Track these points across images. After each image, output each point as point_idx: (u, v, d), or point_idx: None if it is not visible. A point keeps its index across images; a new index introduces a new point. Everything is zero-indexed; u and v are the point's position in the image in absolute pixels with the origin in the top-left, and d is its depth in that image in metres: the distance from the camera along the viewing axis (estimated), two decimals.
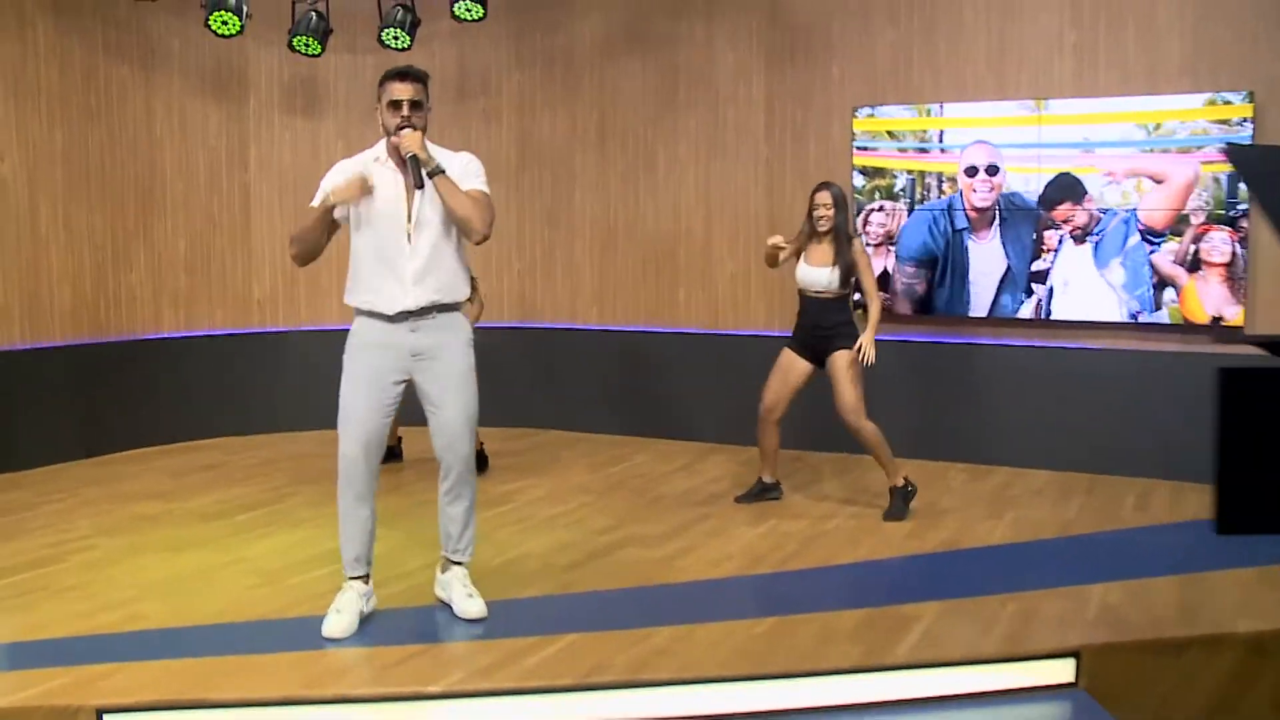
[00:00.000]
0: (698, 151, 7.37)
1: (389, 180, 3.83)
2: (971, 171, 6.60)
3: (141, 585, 4.41)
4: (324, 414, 8.12)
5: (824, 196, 5.52)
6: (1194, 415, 6.12)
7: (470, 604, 4.00)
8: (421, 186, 3.73)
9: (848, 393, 5.47)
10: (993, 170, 6.55)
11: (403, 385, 3.92)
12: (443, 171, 3.77)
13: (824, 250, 5.55)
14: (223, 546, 4.99)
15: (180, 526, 5.35)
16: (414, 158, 3.72)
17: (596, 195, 7.72)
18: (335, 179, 3.83)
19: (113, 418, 7.13)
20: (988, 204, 6.58)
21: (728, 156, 7.31)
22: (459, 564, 4.09)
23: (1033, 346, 6.55)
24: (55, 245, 6.82)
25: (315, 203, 3.85)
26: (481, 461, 6.50)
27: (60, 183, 6.84)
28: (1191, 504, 5.68)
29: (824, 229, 5.51)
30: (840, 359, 5.49)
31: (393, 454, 6.76)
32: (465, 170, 3.88)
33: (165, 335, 7.40)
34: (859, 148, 6.83)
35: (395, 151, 3.82)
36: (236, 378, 7.68)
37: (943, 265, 6.72)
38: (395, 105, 3.78)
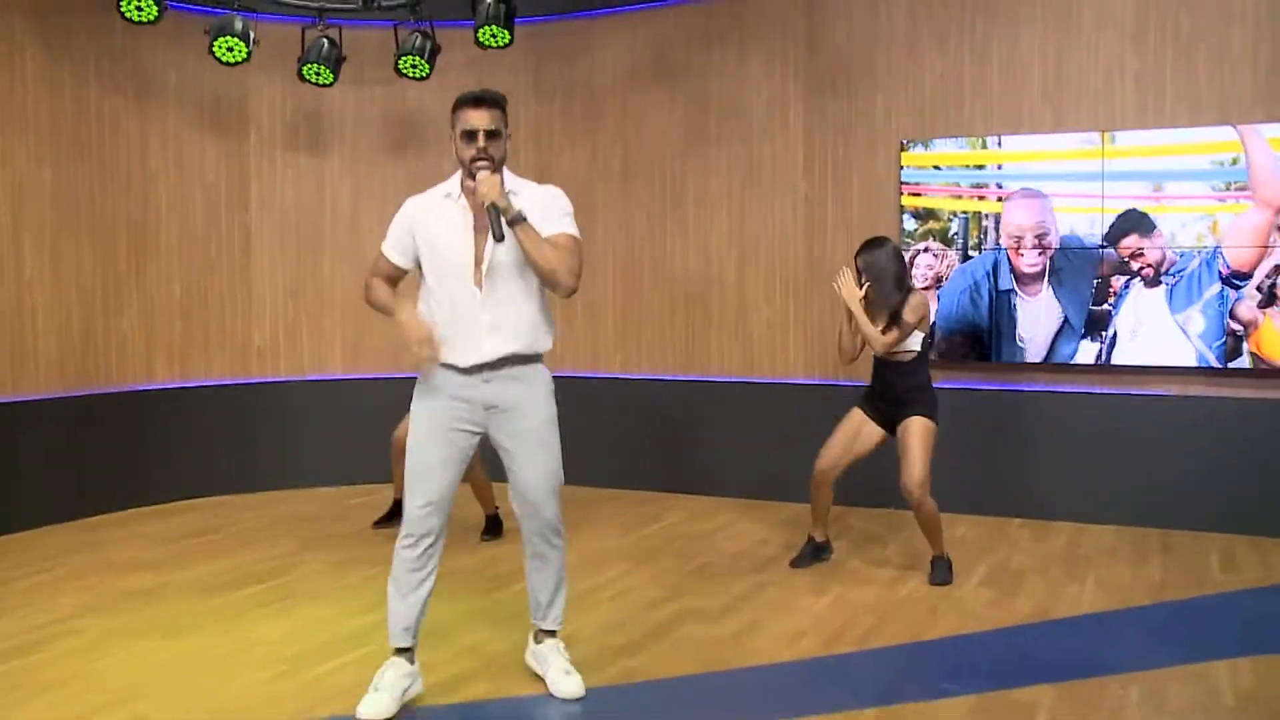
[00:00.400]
0: (730, 187, 6.92)
1: (457, 221, 3.44)
2: (1016, 239, 6.21)
3: (137, 678, 3.83)
4: (330, 470, 7.81)
5: (861, 261, 5.10)
6: (1270, 464, 5.72)
7: (566, 682, 3.60)
8: (501, 239, 3.30)
9: (918, 466, 4.98)
10: (1042, 235, 6.15)
11: (476, 439, 3.54)
12: (524, 219, 3.34)
13: (882, 312, 5.11)
14: (228, 628, 4.41)
15: (178, 603, 4.76)
16: (493, 206, 3.29)
17: (620, 233, 7.26)
18: (401, 235, 3.58)
19: (100, 477, 6.56)
20: (1037, 268, 6.18)
21: (763, 193, 6.87)
22: (552, 633, 3.75)
23: (1092, 393, 6.10)
24: (41, 288, 6.29)
25: (385, 248, 3.62)
26: (495, 526, 5.99)
27: (47, 221, 6.32)
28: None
29: (875, 296, 5.08)
30: (915, 426, 5.03)
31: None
32: (548, 210, 3.45)
33: (158, 386, 6.85)
34: (907, 182, 6.41)
35: (471, 189, 3.44)
36: (235, 432, 7.14)
37: (988, 334, 6.30)
38: (470, 136, 3.37)
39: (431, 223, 3.46)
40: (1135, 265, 5.94)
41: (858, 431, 5.22)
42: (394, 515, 6.18)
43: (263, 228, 7.26)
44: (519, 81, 7.40)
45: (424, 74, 6.64)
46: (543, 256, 3.32)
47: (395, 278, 3.62)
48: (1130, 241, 5.96)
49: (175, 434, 6.89)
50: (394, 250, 3.56)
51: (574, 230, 3.48)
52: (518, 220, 3.31)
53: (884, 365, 5.14)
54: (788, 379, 6.80)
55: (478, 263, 3.38)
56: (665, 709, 3.63)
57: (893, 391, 5.12)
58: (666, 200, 7.16)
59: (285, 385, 7.31)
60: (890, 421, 5.16)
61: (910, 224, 6.40)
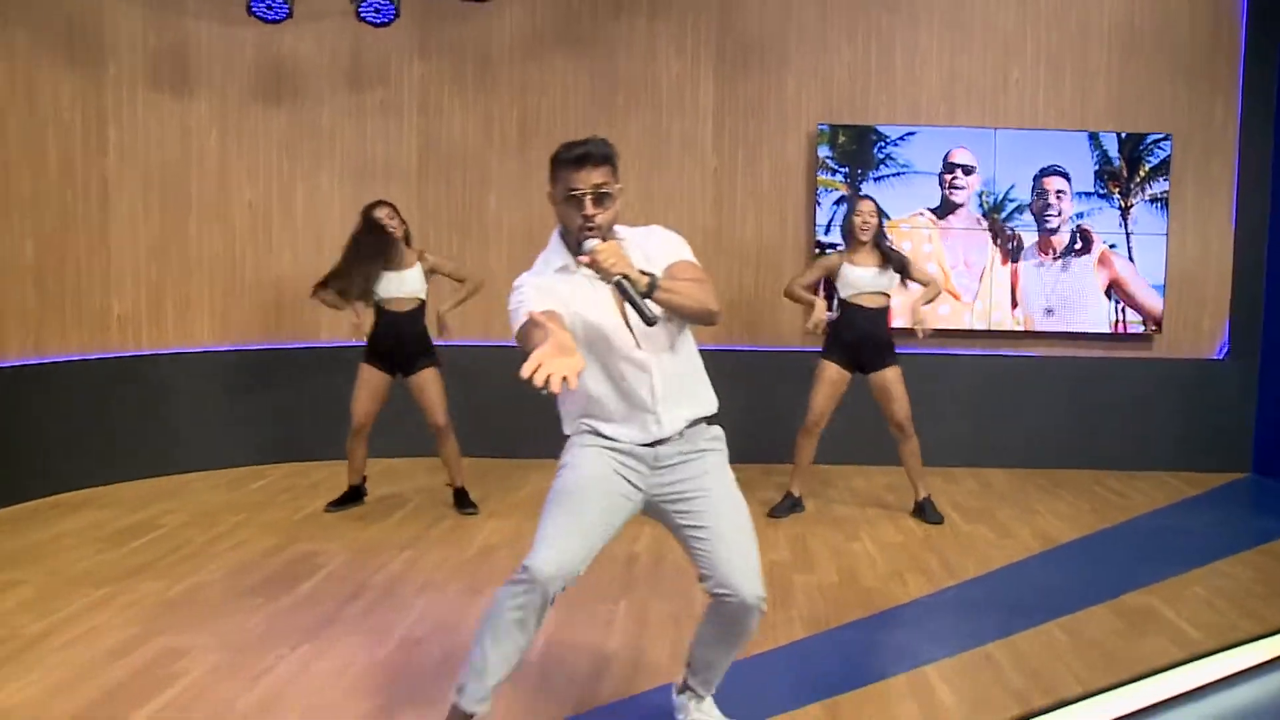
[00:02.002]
0: (638, 159, 6.97)
1: (589, 293, 2.83)
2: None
3: None
4: (204, 451, 7.07)
5: (869, 205, 5.60)
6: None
7: None
8: (653, 323, 2.69)
9: (905, 401, 5.62)
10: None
11: (634, 509, 2.93)
12: (657, 285, 2.73)
13: (869, 253, 5.58)
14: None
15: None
16: (621, 282, 2.68)
17: (517, 204, 7.05)
18: (541, 296, 2.80)
19: None
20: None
21: (671, 166, 7.01)
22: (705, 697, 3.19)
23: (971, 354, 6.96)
24: None
25: (530, 307, 2.74)
26: (464, 498, 5.72)
27: None
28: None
29: (865, 238, 5.54)
30: (895, 372, 5.61)
31: (356, 494, 5.78)
32: (668, 253, 2.92)
33: (10, 363, 5.72)
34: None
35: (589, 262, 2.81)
36: (96, 413, 6.15)
37: None
38: (575, 201, 2.78)
39: (565, 297, 2.82)
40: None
41: (838, 381, 5.66)
42: (351, 498, 5.76)
43: (123, 178, 6.25)
44: (402, 38, 6.94)
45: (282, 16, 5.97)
46: (690, 304, 2.79)
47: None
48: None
49: (30, 420, 5.82)
50: (543, 300, 2.79)
51: (692, 257, 2.96)
52: (653, 288, 2.72)
53: (861, 311, 5.57)
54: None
55: (632, 331, 2.84)
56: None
57: (871, 339, 5.57)
58: None
59: (148, 359, 6.38)
60: (861, 367, 5.62)
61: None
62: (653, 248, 2.91)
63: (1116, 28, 6.86)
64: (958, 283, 6.87)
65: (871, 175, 6.83)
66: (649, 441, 2.87)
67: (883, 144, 6.82)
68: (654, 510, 2.95)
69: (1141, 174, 6.82)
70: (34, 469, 5.81)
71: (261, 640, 3.79)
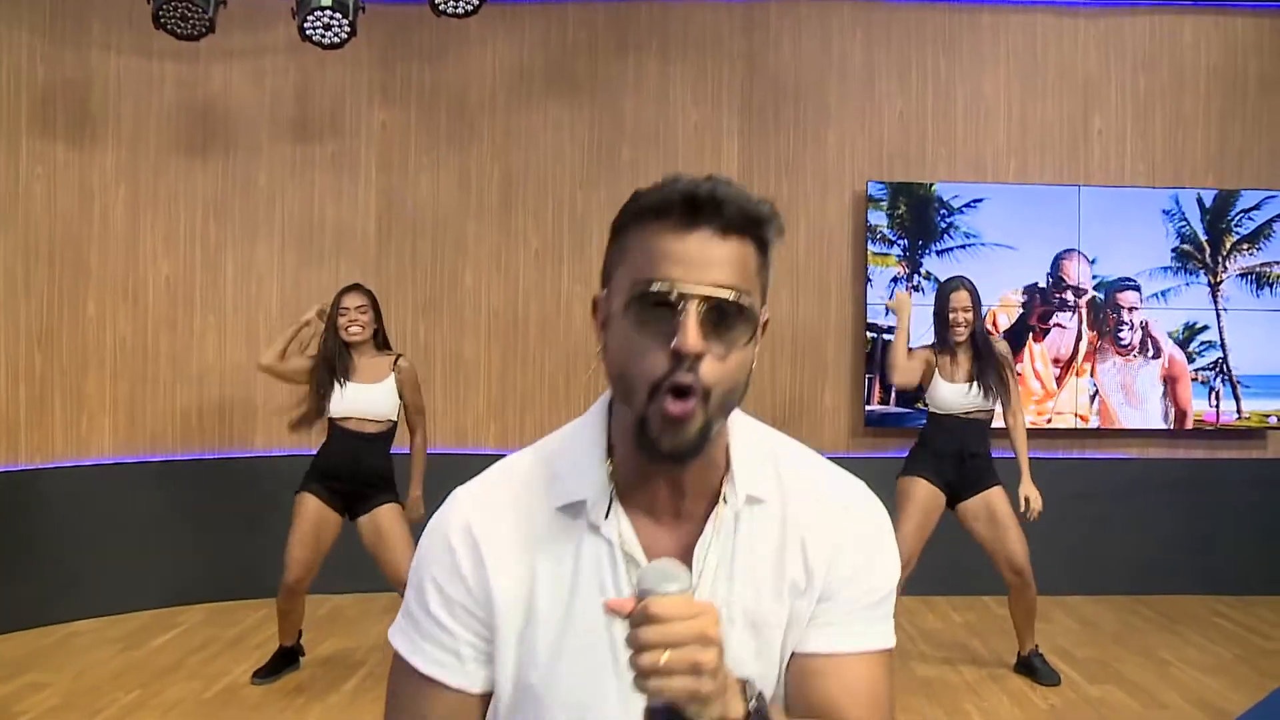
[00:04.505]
0: None
1: (590, 607, 1.22)
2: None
3: None
4: (98, 593, 5.35)
5: (962, 298, 4.33)
6: None
7: None
8: None
9: (1020, 538, 4.30)
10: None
11: None
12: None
13: (961, 361, 4.34)
14: None
15: None
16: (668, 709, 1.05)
17: (499, 280, 5.77)
18: (518, 605, 1.24)
19: None
20: None
21: None
22: None
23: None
24: None
25: (432, 670, 1.24)
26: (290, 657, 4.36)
27: None
28: None
29: (960, 338, 4.31)
30: (1002, 496, 4.34)
31: (291, 657, 4.38)
32: (867, 598, 1.28)
33: None
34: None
35: (651, 475, 1.24)
36: None
37: None
38: (655, 311, 1.15)
39: (531, 583, 1.25)
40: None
41: (933, 508, 4.37)
42: (284, 662, 4.33)
43: None
44: (360, 78, 5.72)
45: (199, 32, 4.58)
46: None
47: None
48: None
49: None
50: (449, 657, 1.25)
51: (889, 637, 1.30)
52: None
53: (956, 423, 4.34)
54: None
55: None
56: None
57: (971, 456, 4.35)
58: (563, 239, 5.80)
59: (28, 475, 4.95)
60: (958, 491, 4.37)
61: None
62: (830, 549, 1.26)
63: (1216, 70, 5.82)
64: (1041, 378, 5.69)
65: (934, 247, 5.66)
66: None
67: (945, 212, 5.67)
68: None
69: (1228, 244, 5.72)
70: None
71: None
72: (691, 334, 1.11)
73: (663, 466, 1.19)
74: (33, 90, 5.03)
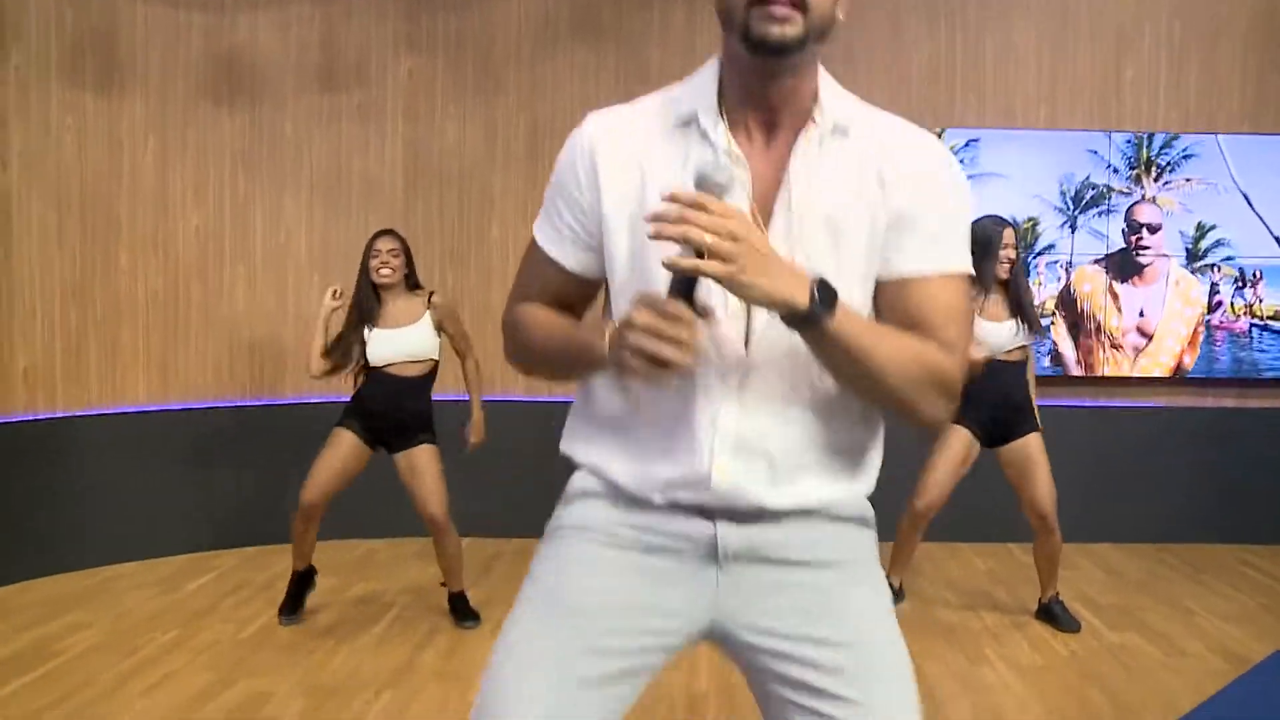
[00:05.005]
0: None
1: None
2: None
3: None
4: (134, 538, 5.50)
5: (1010, 235, 4.28)
6: None
7: None
8: (702, 314, 1.32)
9: (1051, 484, 4.30)
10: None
11: (677, 646, 1.54)
12: (831, 303, 1.32)
13: (999, 300, 4.31)
14: None
15: None
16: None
17: (526, 229, 5.75)
18: (627, 193, 1.49)
19: None
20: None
21: None
22: None
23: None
24: None
25: (543, 239, 1.58)
26: (465, 611, 4.42)
27: None
28: None
29: (1005, 276, 4.27)
30: (1037, 442, 4.33)
31: (306, 580, 4.45)
32: (934, 216, 1.46)
33: None
34: None
35: (751, 94, 1.44)
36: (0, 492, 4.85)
37: None
38: None
39: (639, 180, 1.47)
40: None
41: (967, 455, 4.37)
42: (301, 588, 4.41)
43: (29, 197, 4.95)
44: (386, 28, 5.71)
45: None
46: (894, 373, 1.38)
47: (568, 298, 1.61)
48: None
49: None
50: (555, 234, 1.56)
51: (965, 262, 1.49)
52: (822, 308, 1.30)
53: (999, 368, 4.30)
54: None
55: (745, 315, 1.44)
56: None
57: (1010, 400, 4.34)
58: None
59: (67, 423, 5.07)
60: (995, 438, 4.37)
61: None
62: (905, 178, 1.43)
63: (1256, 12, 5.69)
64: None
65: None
66: (682, 504, 1.47)
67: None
68: (728, 645, 1.55)
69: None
70: None
71: None
72: None
73: (767, 63, 1.38)
74: (62, 38, 5.06)
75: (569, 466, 1.60)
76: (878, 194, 1.43)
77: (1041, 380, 4.99)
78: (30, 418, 4.94)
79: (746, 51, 1.37)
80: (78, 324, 5.12)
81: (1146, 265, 5.68)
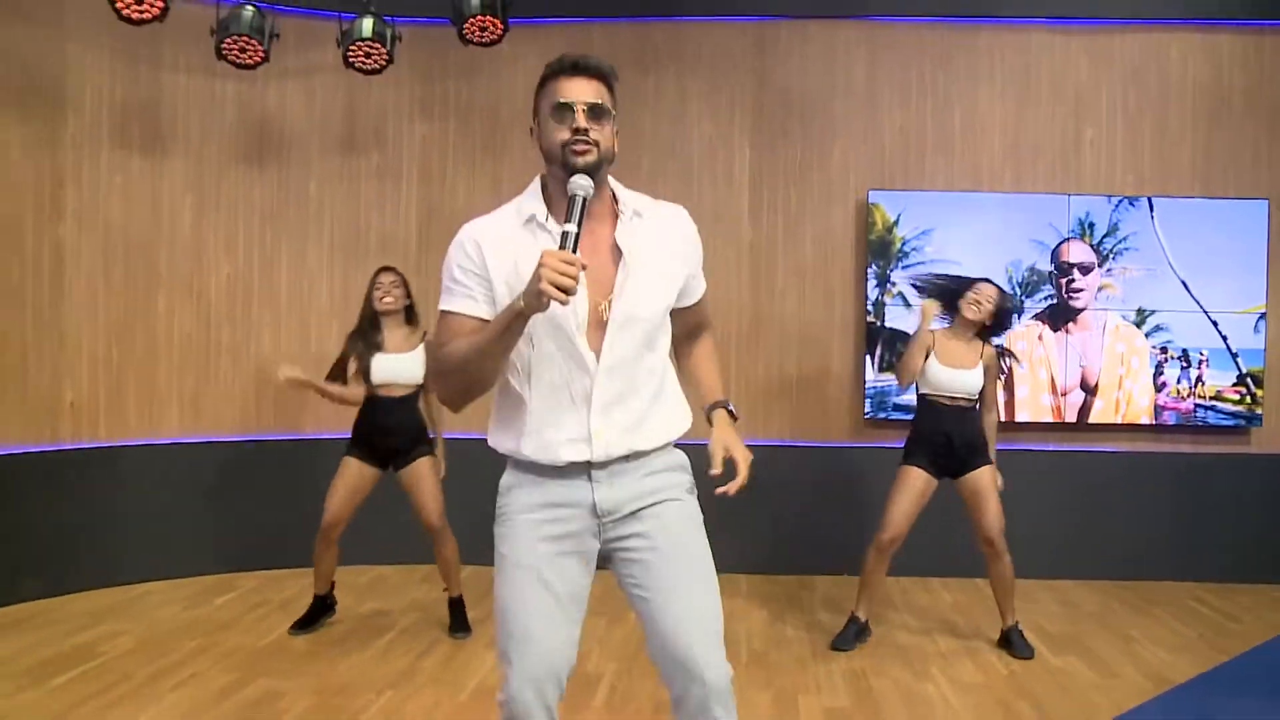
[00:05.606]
0: None
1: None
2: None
3: None
4: (166, 558, 6.01)
5: (986, 289, 4.72)
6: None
7: None
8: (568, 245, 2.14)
9: (999, 513, 4.71)
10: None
11: (593, 572, 2.39)
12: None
13: (967, 348, 4.74)
14: None
15: None
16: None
17: None
18: (503, 269, 2.27)
19: None
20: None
21: (702, 237, 6.21)
22: None
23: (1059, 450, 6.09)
24: None
25: (453, 305, 2.28)
26: (460, 621, 4.86)
27: None
28: None
29: (970, 315, 4.70)
30: (988, 475, 4.74)
31: (324, 606, 4.93)
32: (692, 260, 2.46)
33: None
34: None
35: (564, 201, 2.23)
36: (40, 514, 5.32)
37: None
38: (563, 111, 2.24)
39: (511, 260, 2.26)
40: None
41: (924, 490, 4.77)
42: (319, 613, 4.90)
43: (80, 247, 5.52)
44: (403, 95, 6.27)
45: (256, 63, 5.24)
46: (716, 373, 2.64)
47: None
48: None
49: None
50: (473, 302, 2.27)
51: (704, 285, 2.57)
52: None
53: (949, 410, 4.74)
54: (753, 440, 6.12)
55: (595, 321, 2.28)
56: None
57: (960, 439, 4.74)
58: None
59: (107, 452, 5.59)
60: (951, 473, 4.78)
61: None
62: (675, 238, 2.40)
63: (1201, 86, 6.15)
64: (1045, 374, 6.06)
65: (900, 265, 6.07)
66: (574, 461, 2.29)
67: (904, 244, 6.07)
68: (610, 566, 2.42)
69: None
70: None
71: None
72: (581, 119, 2.22)
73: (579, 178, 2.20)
74: (113, 108, 5.64)
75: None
76: (680, 250, 2.41)
77: (1021, 426, 5.40)
78: (75, 446, 5.46)
79: (566, 173, 2.22)
80: (119, 362, 5.65)
81: (1081, 311, 6.09)
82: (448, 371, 2.25)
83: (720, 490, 2.28)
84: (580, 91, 2.24)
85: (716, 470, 2.31)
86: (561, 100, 2.23)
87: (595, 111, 2.23)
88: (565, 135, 2.21)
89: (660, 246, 2.34)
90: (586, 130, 2.21)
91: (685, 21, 6.26)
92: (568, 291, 2.00)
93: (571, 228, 2.08)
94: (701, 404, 2.49)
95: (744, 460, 2.37)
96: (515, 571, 2.29)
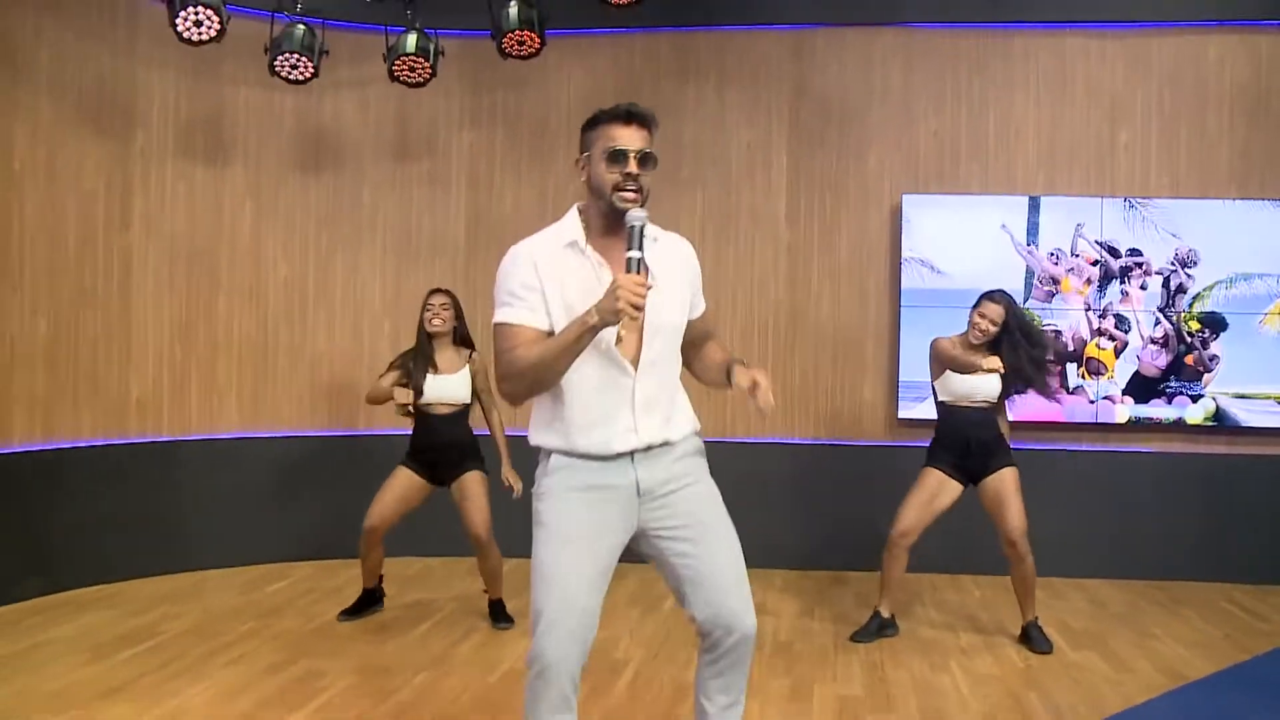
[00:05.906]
0: (707, 235, 6.37)
1: (591, 281, 2.56)
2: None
3: None
4: (227, 548, 6.32)
5: (991, 309, 4.80)
6: None
7: None
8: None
9: (1020, 515, 4.80)
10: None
11: (621, 548, 2.68)
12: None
13: (981, 357, 4.85)
14: None
15: None
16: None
17: None
18: (553, 285, 2.56)
19: None
20: None
21: (741, 243, 6.42)
22: None
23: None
24: None
25: (517, 317, 2.55)
26: (501, 614, 5.09)
27: None
28: None
29: (976, 341, 4.82)
30: (1009, 476, 4.83)
31: (373, 598, 5.19)
32: (695, 284, 2.81)
33: (14, 449, 5.31)
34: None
35: (609, 230, 2.60)
36: (109, 504, 5.67)
37: None
38: (618, 158, 2.54)
39: (559, 278, 2.59)
40: None
41: (940, 491, 4.89)
42: (366, 603, 5.17)
43: (147, 252, 5.87)
44: (452, 104, 6.53)
45: (306, 77, 5.55)
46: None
47: None
48: None
49: (38, 509, 5.38)
50: (533, 313, 2.57)
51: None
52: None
53: (970, 413, 4.85)
54: (766, 439, 6.34)
55: (629, 330, 2.59)
56: None
57: (978, 443, 4.85)
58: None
59: (170, 446, 5.93)
60: (972, 475, 4.89)
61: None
62: (678, 264, 2.74)
63: (1239, 87, 6.16)
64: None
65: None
66: (622, 451, 2.60)
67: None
68: (643, 543, 2.72)
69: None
70: (37, 565, 5.34)
71: None
72: (633, 165, 2.54)
73: (621, 223, 2.53)
74: (178, 121, 5.98)
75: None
76: (685, 272, 2.76)
77: (1056, 426, 5.47)
78: (140, 440, 5.81)
79: (610, 212, 2.58)
80: (182, 360, 5.99)
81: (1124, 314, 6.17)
82: (516, 374, 2.55)
83: (763, 402, 2.57)
84: (633, 140, 2.57)
85: (749, 385, 2.61)
86: (617, 147, 2.55)
87: (645, 160, 2.57)
88: (617, 178, 2.55)
89: (672, 268, 2.70)
90: (637, 176, 2.55)
91: (724, 31, 6.44)
92: (639, 309, 2.39)
93: (636, 253, 2.42)
94: (720, 372, 2.78)
95: (764, 376, 2.62)
96: (559, 539, 2.57)
